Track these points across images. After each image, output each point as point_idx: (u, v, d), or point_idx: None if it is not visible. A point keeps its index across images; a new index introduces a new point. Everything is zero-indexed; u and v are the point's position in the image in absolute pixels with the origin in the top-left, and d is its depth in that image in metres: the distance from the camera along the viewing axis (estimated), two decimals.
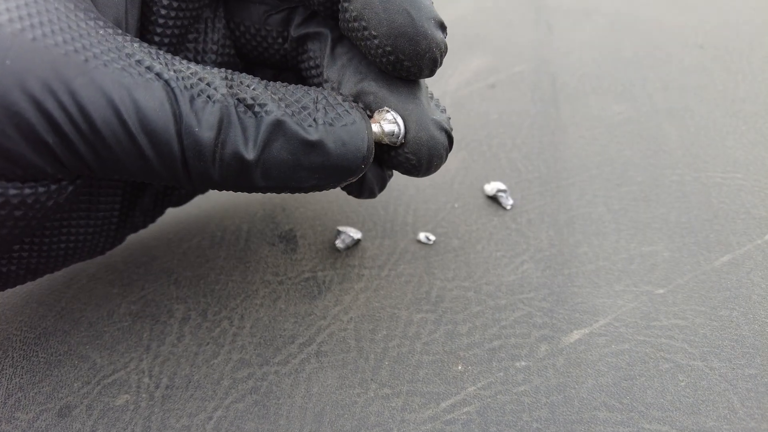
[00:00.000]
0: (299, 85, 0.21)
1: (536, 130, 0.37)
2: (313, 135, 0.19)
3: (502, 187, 0.32)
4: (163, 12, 0.22)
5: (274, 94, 0.19)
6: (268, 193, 0.26)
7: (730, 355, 0.24)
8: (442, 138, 0.22)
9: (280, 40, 0.25)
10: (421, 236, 0.30)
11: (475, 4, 0.53)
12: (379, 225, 0.31)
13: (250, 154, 0.19)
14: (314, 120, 0.19)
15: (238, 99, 0.19)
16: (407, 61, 0.20)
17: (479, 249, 0.29)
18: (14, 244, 0.22)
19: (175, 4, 0.22)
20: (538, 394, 0.23)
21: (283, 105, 0.19)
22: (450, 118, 0.23)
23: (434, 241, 0.30)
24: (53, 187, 0.19)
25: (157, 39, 0.23)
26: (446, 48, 0.21)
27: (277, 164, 0.19)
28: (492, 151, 0.36)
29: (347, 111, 0.20)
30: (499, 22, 0.50)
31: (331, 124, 0.20)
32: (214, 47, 0.25)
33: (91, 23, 0.18)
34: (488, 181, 0.33)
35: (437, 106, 0.23)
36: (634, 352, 0.25)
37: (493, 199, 0.32)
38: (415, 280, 0.28)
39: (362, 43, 0.21)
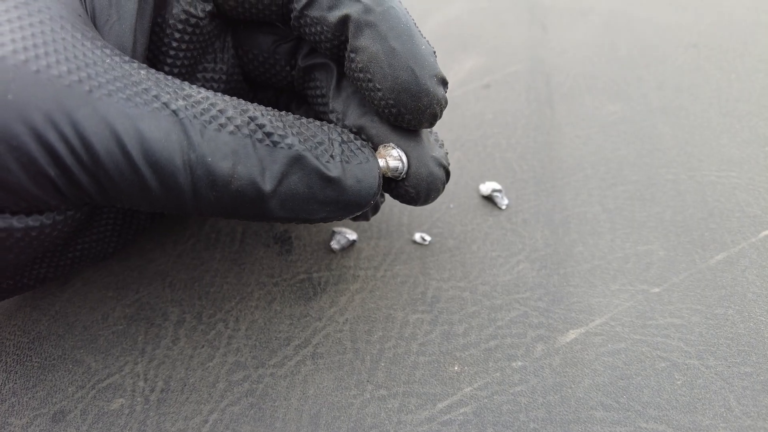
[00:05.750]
0: (312, 120, 0.21)
1: (531, 130, 0.37)
2: (332, 171, 0.20)
3: (497, 187, 0.32)
4: (174, 44, 0.22)
5: (291, 127, 0.20)
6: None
7: (725, 353, 0.24)
8: (440, 174, 0.22)
9: (287, 68, 0.25)
10: (417, 237, 0.30)
11: (470, 5, 0.53)
12: (374, 226, 0.31)
13: (267, 186, 0.19)
14: (331, 156, 0.20)
15: (257, 125, 0.19)
16: (408, 114, 0.21)
17: (475, 249, 0.29)
18: (23, 268, 0.22)
19: (186, 37, 0.22)
20: (534, 394, 0.23)
21: (302, 139, 0.19)
22: (447, 153, 0.24)
23: (430, 242, 0.30)
24: (58, 218, 0.19)
25: (166, 69, 0.23)
26: (446, 103, 0.21)
27: (293, 196, 0.19)
28: (487, 151, 0.36)
29: (360, 149, 0.21)
30: (494, 22, 0.50)
31: (347, 162, 0.20)
32: (224, 77, 0.25)
33: (98, 52, 0.18)
34: (483, 181, 0.33)
35: (436, 140, 0.23)
36: (630, 351, 0.25)
37: (489, 199, 0.32)
38: (410, 280, 0.28)
39: (366, 93, 0.21)
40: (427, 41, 0.21)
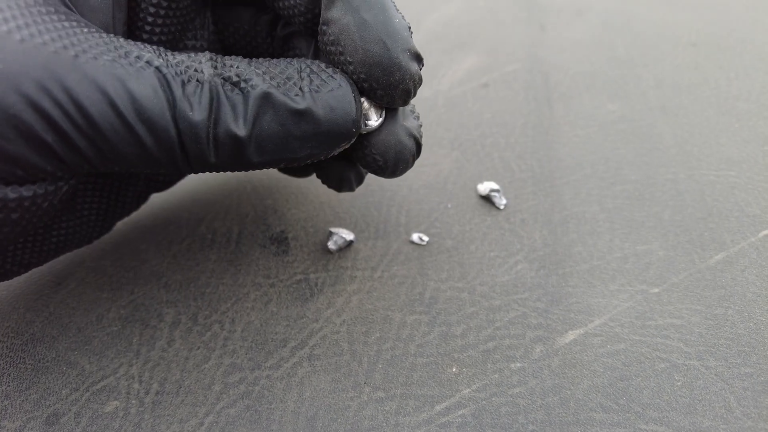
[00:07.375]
0: (282, 58, 0.21)
1: (529, 130, 0.37)
2: (300, 103, 0.19)
3: (496, 186, 0.32)
4: (150, 20, 0.22)
5: (258, 68, 0.20)
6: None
7: (726, 353, 0.24)
8: (410, 144, 0.22)
9: (268, 40, 0.25)
10: (414, 237, 0.30)
11: (468, 4, 0.52)
12: (371, 226, 0.31)
13: (241, 131, 0.19)
14: (300, 89, 0.20)
15: (223, 78, 0.19)
16: (380, 90, 0.20)
17: (473, 249, 0.29)
18: (10, 245, 0.22)
19: (162, 12, 0.22)
20: (533, 396, 0.23)
21: (268, 78, 0.19)
22: (421, 125, 0.23)
23: (427, 242, 0.30)
24: (50, 188, 0.19)
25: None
26: (420, 80, 0.21)
27: (269, 137, 0.19)
28: (485, 150, 0.36)
29: (332, 77, 0.20)
30: (492, 21, 0.50)
31: (317, 91, 0.20)
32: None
33: (74, 23, 0.18)
34: (481, 181, 0.33)
35: (412, 112, 0.23)
36: (629, 352, 0.24)
37: (487, 199, 0.32)
38: (408, 281, 0.28)
39: (339, 66, 0.21)
40: (402, 15, 0.20)
